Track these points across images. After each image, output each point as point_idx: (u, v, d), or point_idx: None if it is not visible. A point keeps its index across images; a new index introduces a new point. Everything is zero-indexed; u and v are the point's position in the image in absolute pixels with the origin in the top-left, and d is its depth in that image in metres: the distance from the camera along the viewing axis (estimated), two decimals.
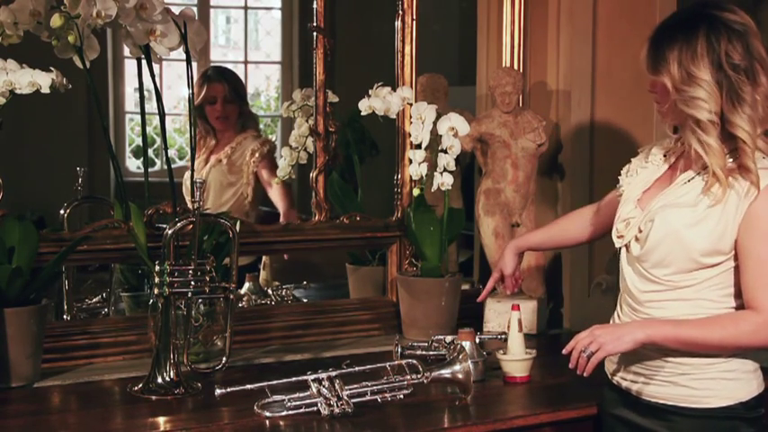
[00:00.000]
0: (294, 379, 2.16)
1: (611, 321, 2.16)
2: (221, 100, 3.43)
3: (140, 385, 2.30)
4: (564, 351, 2.01)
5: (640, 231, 2.02)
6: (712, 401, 1.99)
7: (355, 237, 3.00)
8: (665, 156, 2.14)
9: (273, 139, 4.25)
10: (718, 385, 1.99)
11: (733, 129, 1.92)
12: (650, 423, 2.05)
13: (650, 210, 2.02)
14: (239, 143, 3.44)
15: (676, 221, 1.96)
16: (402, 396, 2.18)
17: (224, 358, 2.44)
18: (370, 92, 2.89)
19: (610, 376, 2.15)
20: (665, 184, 2.07)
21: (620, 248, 2.10)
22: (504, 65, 3.15)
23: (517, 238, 2.66)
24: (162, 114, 2.49)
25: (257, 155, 3.40)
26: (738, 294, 1.98)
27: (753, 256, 1.92)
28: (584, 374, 1.97)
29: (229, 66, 4.24)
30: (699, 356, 1.98)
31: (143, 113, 2.56)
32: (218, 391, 2.15)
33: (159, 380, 2.29)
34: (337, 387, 2.12)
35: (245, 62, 4.49)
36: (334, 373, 2.14)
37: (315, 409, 2.12)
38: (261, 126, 4.30)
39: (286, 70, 4.45)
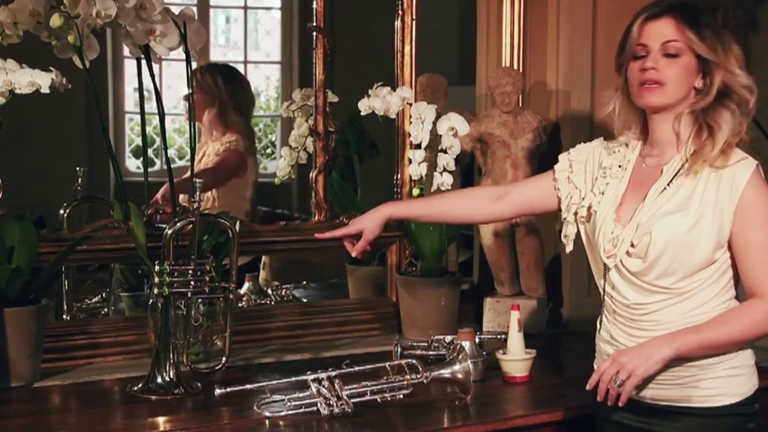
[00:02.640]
0: (294, 379, 2.16)
1: (597, 331, 2.13)
2: (195, 85, 3.16)
3: (140, 385, 2.30)
4: (588, 386, 1.97)
5: (633, 246, 1.99)
6: (722, 399, 1.98)
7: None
8: (620, 167, 2.12)
9: (273, 139, 4.23)
10: (726, 383, 1.98)
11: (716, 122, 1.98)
12: (654, 425, 2.01)
13: (639, 224, 1.99)
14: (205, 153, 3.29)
15: (674, 228, 1.95)
16: (402, 396, 2.18)
17: (224, 358, 2.45)
18: (369, 92, 2.89)
19: None
20: (635, 197, 2.05)
21: (606, 266, 2.06)
22: (503, 65, 3.15)
23: (394, 204, 2.44)
24: (162, 114, 2.49)
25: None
26: (737, 282, 1.99)
27: (751, 244, 1.93)
28: (620, 404, 1.92)
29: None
30: (705, 356, 1.96)
31: (143, 113, 2.56)
32: (217, 391, 2.15)
33: (159, 380, 2.29)
34: (337, 387, 2.12)
35: (245, 62, 4.47)
36: (333, 373, 2.14)
37: (315, 408, 2.12)
38: (258, 133, 4.18)
39: (286, 70, 4.44)
